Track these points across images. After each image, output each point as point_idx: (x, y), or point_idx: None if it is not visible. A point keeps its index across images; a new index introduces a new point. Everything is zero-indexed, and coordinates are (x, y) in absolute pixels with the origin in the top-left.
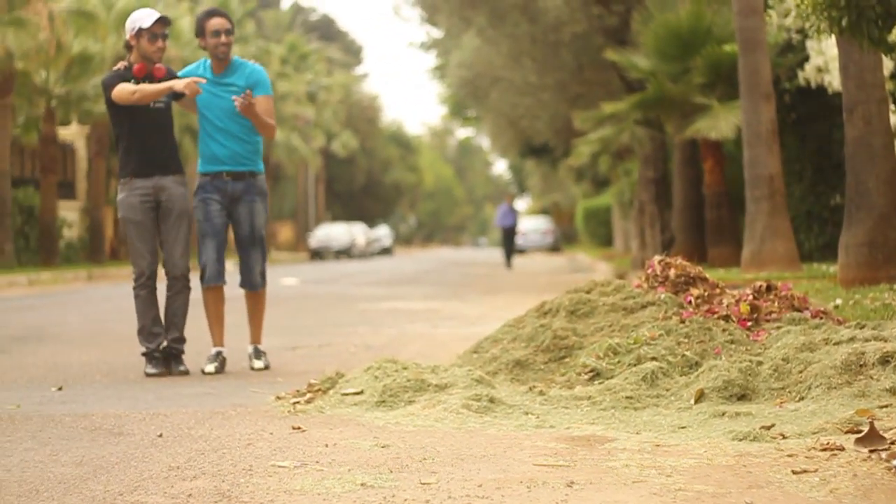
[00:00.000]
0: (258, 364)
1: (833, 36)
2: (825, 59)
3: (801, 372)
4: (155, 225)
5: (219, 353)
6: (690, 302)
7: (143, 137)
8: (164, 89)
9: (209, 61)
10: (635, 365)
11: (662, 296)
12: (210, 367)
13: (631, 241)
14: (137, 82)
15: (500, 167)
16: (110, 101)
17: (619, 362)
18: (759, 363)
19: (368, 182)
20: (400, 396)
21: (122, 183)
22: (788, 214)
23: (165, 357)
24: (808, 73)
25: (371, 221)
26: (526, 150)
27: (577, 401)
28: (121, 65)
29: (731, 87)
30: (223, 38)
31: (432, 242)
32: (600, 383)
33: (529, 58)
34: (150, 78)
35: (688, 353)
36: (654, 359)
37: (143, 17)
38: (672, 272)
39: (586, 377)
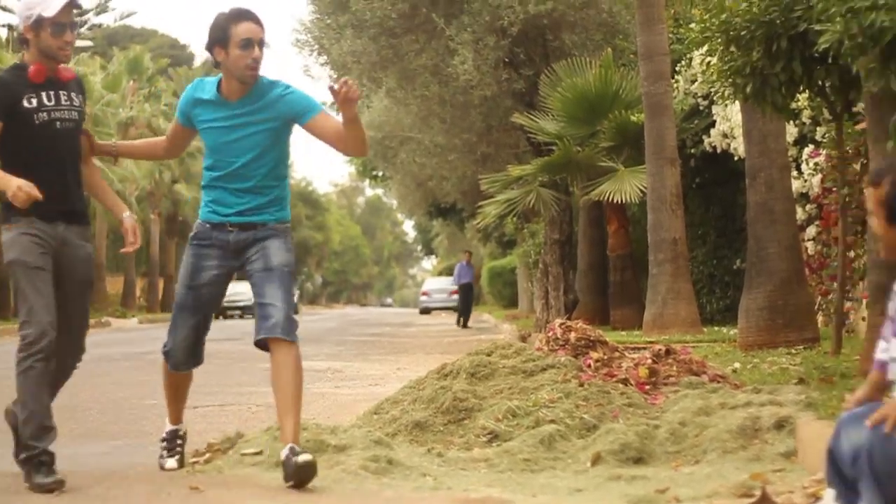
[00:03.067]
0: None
1: (738, 102)
2: (730, 125)
3: (697, 436)
4: (52, 278)
5: (176, 434)
6: (590, 365)
7: (42, 170)
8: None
9: (217, 81)
10: (534, 427)
11: (562, 359)
12: (171, 462)
13: (535, 301)
14: (36, 89)
15: (409, 227)
16: None
17: (517, 424)
18: (657, 427)
19: None
20: None
21: (13, 223)
22: (691, 278)
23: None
24: (713, 139)
25: None
26: (433, 211)
27: (474, 463)
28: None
29: (637, 150)
30: (256, 53)
31: (339, 301)
32: (498, 445)
33: (438, 119)
34: (53, 83)
35: (586, 416)
36: (552, 421)
37: (44, 3)
38: (572, 335)
39: (485, 439)
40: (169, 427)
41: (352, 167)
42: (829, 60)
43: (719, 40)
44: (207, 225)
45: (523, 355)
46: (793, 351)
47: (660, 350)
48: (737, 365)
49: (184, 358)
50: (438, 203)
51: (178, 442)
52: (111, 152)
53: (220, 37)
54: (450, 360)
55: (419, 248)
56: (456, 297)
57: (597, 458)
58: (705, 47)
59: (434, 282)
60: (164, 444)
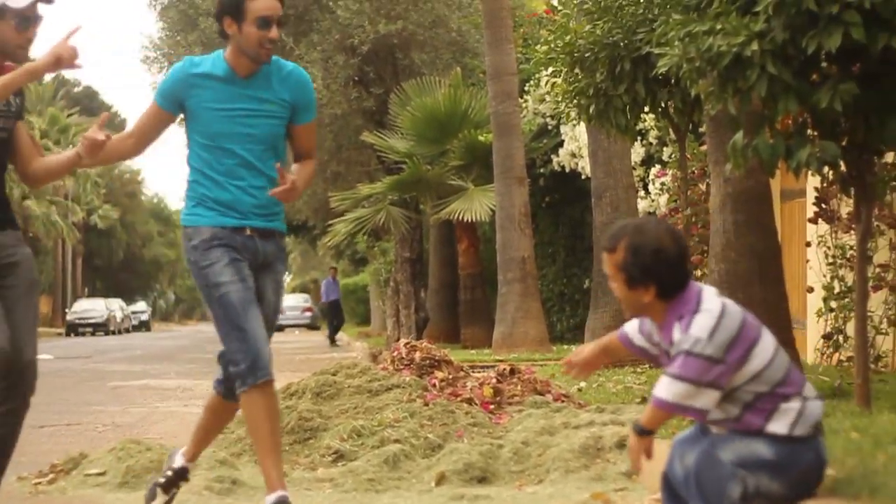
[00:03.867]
0: None
1: (583, 123)
2: (579, 145)
3: (540, 455)
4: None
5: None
6: (435, 385)
7: None
8: (27, 74)
9: (221, 57)
10: (378, 447)
11: (407, 378)
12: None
13: (387, 320)
14: None
15: None
16: None
17: (362, 444)
18: (500, 446)
19: (128, 257)
20: (143, 477)
21: None
22: (540, 296)
23: None
24: (562, 158)
25: (130, 296)
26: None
27: (319, 483)
28: None
29: (486, 169)
30: (273, 33)
31: (191, 318)
32: (343, 465)
33: None
34: None
35: (430, 436)
36: (397, 441)
37: None
38: (417, 355)
39: (330, 459)
40: (274, 497)
41: None
42: (672, 82)
43: (564, 62)
44: (224, 228)
45: (368, 375)
46: (638, 370)
47: (504, 370)
48: (582, 384)
49: (270, 355)
50: (290, 220)
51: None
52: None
53: (233, 9)
54: (300, 378)
55: None
56: (309, 314)
57: (441, 477)
58: (551, 68)
59: (287, 299)
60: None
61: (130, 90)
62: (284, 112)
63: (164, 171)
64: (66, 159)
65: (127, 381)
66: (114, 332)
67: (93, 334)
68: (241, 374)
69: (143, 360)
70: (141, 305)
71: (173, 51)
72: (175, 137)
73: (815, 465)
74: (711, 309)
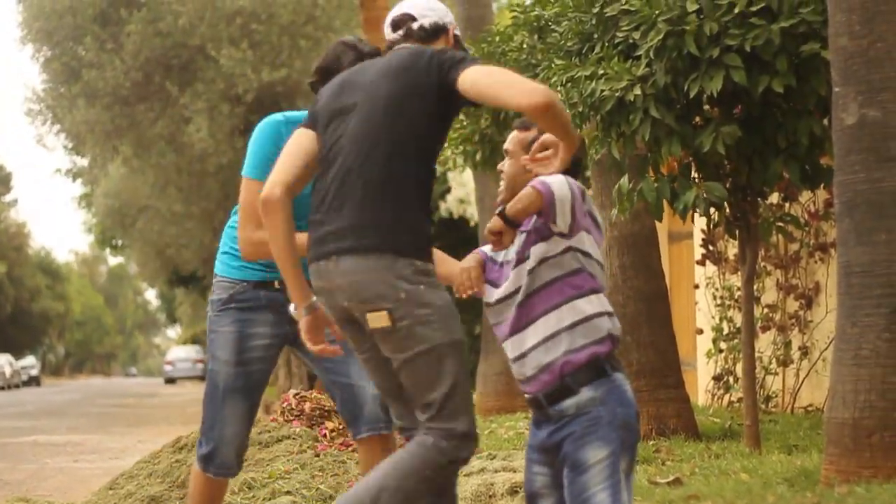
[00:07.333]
0: None
1: (469, 169)
2: (466, 191)
3: None
4: None
5: None
6: (325, 435)
7: None
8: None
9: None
10: (270, 500)
11: (297, 429)
12: None
13: (278, 370)
14: None
15: (152, 295)
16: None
17: (253, 497)
18: None
19: (15, 311)
20: None
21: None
22: None
23: None
24: (450, 205)
25: (18, 351)
26: (175, 279)
27: None
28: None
29: None
30: None
31: (82, 372)
32: None
33: (175, 188)
34: None
35: (322, 487)
36: (288, 493)
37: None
38: (307, 406)
39: None
40: None
41: (91, 236)
42: None
43: None
44: (246, 283)
45: (258, 426)
46: (530, 415)
47: None
48: None
49: (234, 456)
50: (179, 271)
51: None
52: None
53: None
54: (190, 430)
55: (163, 316)
56: (201, 366)
57: None
58: None
59: (179, 350)
60: None
61: (15, 144)
62: None
63: (51, 224)
64: None
65: (16, 438)
66: (3, 388)
67: None
68: (200, 456)
69: (32, 416)
70: (30, 360)
71: (58, 103)
72: (62, 190)
73: None
74: None
